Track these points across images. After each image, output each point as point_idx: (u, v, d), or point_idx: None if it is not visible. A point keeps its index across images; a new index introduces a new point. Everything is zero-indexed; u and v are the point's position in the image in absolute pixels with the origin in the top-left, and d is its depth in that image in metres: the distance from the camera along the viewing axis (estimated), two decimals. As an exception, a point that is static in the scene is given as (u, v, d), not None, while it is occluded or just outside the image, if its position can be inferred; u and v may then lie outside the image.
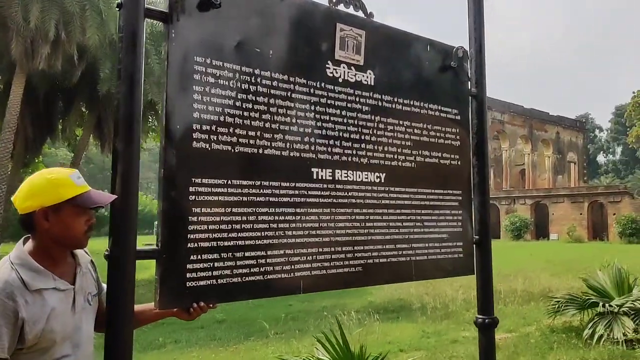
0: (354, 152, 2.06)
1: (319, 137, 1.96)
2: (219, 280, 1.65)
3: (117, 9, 1.57)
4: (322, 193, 1.95)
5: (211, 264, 1.64)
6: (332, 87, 2.01)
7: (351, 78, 2.07)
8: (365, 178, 2.09)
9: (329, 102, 2.00)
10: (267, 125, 1.82)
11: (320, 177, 1.95)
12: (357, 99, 2.09)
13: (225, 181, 1.69)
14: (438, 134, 2.37)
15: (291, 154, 1.87)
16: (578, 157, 47.10)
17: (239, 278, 1.70)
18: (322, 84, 1.98)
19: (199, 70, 1.66)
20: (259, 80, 1.81)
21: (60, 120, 18.53)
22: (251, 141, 1.77)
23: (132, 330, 1.50)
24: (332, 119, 2.00)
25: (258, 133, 1.79)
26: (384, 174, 2.15)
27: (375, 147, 2.13)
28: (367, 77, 2.12)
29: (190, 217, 1.60)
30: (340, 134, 2.02)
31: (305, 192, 1.90)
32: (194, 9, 1.66)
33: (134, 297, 1.50)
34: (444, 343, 6.54)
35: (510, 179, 41.08)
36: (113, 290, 1.48)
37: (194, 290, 1.60)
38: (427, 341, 6.71)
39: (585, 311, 6.64)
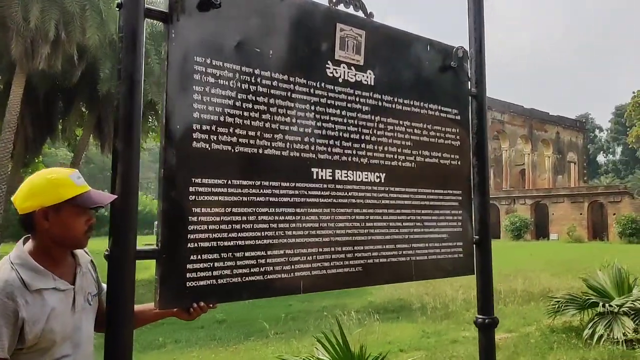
0: (354, 152, 2.06)
1: (319, 137, 1.96)
2: (219, 280, 1.65)
3: (117, 9, 1.56)
4: (322, 193, 1.95)
5: (211, 264, 1.64)
6: (332, 87, 2.01)
7: (351, 78, 2.07)
8: (365, 178, 2.09)
9: (329, 102, 2.00)
10: (267, 125, 1.82)
11: (320, 177, 1.95)
12: (357, 99, 2.09)
13: (225, 181, 1.69)
14: (438, 134, 2.37)
15: (291, 154, 1.87)
16: (578, 157, 47.10)
17: (239, 278, 1.70)
18: (322, 84, 1.98)
19: (199, 70, 1.66)
20: (259, 80, 1.81)
21: (60, 120, 18.54)
22: (251, 141, 1.77)
23: (132, 330, 1.50)
24: (332, 119, 2.00)
25: (258, 133, 1.79)
26: (384, 174, 2.15)
27: (375, 147, 2.13)
28: (367, 77, 2.12)
29: (190, 217, 1.60)
30: (340, 134, 2.02)
31: (305, 192, 1.90)
32: (194, 9, 1.66)
33: (134, 297, 1.50)
34: (444, 343, 6.54)
35: (510, 179, 41.07)
36: (113, 290, 1.48)
37: (194, 290, 1.60)
38: (427, 341, 6.70)
39: (585, 311, 6.64)
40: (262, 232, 1.77)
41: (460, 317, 8.08)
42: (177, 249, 1.58)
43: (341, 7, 2.07)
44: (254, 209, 1.75)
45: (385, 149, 2.16)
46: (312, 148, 1.93)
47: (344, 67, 2.05)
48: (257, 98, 1.80)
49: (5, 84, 15.91)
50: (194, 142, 1.63)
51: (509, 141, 40.84)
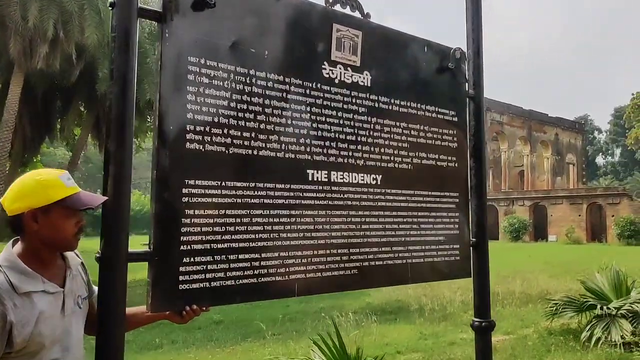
0: (350, 153, 2.04)
1: (314, 138, 1.94)
2: (212, 283, 1.63)
3: (110, 8, 1.54)
4: (318, 195, 1.93)
5: (204, 267, 1.62)
6: (328, 88, 1.99)
7: (347, 79, 2.05)
8: (362, 180, 2.07)
9: (324, 103, 1.98)
10: (262, 126, 1.80)
11: (315, 179, 1.93)
12: (354, 100, 2.07)
13: (219, 183, 1.67)
14: (435, 136, 2.35)
15: (286, 156, 1.85)
16: (577, 158, 47.13)
17: (233, 281, 1.68)
18: (318, 85, 1.96)
19: (193, 70, 1.64)
20: (254, 80, 1.79)
21: (59, 120, 18.50)
22: (246, 142, 1.75)
23: (123, 334, 1.48)
24: (328, 120, 1.98)
25: (253, 134, 1.77)
26: (380, 176, 2.13)
27: (372, 149, 2.11)
28: (364, 78, 2.10)
29: (183, 219, 1.58)
30: (336, 136, 2.00)
31: (301, 194, 1.88)
32: (188, 8, 1.64)
33: (126, 300, 1.48)
34: (441, 345, 6.53)
35: (509, 180, 41.09)
36: (104, 293, 1.46)
37: (187, 293, 1.58)
38: (425, 343, 6.69)
39: (583, 313, 6.64)
40: (257, 235, 1.75)
41: (458, 319, 8.07)
42: (170, 251, 1.56)
43: (338, 7, 2.05)
44: (248, 211, 1.73)
45: (382, 150, 2.14)
46: (308, 149, 1.91)
47: (340, 68, 2.03)
48: (252, 99, 1.78)
49: (3, 83, 15.87)
50: (188, 143, 1.61)
51: (508, 142, 40.86)
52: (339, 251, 1.97)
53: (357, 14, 2.10)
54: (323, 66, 1.98)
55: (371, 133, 2.11)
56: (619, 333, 5.85)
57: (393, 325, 7.85)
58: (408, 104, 2.25)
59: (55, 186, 1.44)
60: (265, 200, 1.78)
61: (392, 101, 2.19)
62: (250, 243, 1.73)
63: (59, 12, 13.65)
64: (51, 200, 1.42)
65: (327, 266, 1.93)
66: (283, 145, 1.84)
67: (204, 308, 1.64)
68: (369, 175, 2.09)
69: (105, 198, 1.43)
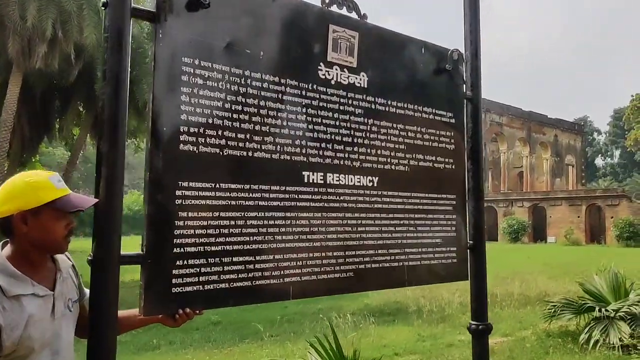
0: (346, 155, 2.02)
1: (310, 140, 1.92)
2: (205, 286, 1.61)
3: (103, 8, 1.53)
4: (313, 197, 1.91)
5: (198, 270, 1.60)
6: (324, 89, 1.98)
7: (344, 80, 2.04)
8: (358, 182, 2.05)
9: (320, 104, 1.96)
10: (257, 127, 1.78)
11: (311, 181, 1.91)
12: (350, 102, 2.05)
13: (214, 185, 1.65)
14: (432, 138, 2.33)
15: (282, 157, 1.84)
16: (576, 160, 47.15)
17: (227, 284, 1.66)
18: (314, 86, 1.95)
19: (187, 71, 1.62)
20: (249, 81, 1.77)
21: (57, 120, 18.47)
22: (240, 144, 1.73)
23: (115, 337, 1.46)
24: (324, 121, 1.97)
25: (248, 136, 1.75)
26: (377, 178, 2.11)
27: (368, 151, 2.09)
28: (361, 79, 2.09)
29: (176, 222, 1.56)
30: (332, 137, 1.99)
31: (296, 196, 1.86)
32: (182, 8, 1.62)
33: (118, 303, 1.47)
34: (439, 347, 6.51)
35: (508, 182, 41.09)
36: (96, 296, 1.44)
37: (180, 296, 1.56)
38: (423, 345, 6.67)
39: (581, 316, 6.62)
40: (251, 237, 1.73)
41: (456, 320, 8.05)
42: (163, 253, 1.54)
43: (334, 8, 2.04)
44: (243, 213, 1.72)
45: (378, 152, 2.13)
46: (303, 151, 1.90)
47: (336, 69, 2.01)
48: (247, 100, 1.76)
49: (1, 83, 15.83)
50: (181, 144, 1.60)
51: (507, 143, 40.86)
52: (335, 254, 1.95)
53: (353, 15, 2.09)
54: (319, 67, 1.97)
55: (368, 135, 2.09)
56: (617, 335, 5.83)
57: (391, 326, 7.83)
58: (405, 106, 2.23)
59: (45, 188, 1.42)
60: (260, 202, 1.76)
61: (389, 103, 2.18)
62: (245, 245, 1.71)
63: (58, 11, 13.63)
64: (41, 202, 1.40)
65: (322, 269, 1.91)
66: (278, 146, 1.83)
67: (198, 311, 1.62)
68: (365, 177, 2.07)
69: (96, 200, 1.41)
